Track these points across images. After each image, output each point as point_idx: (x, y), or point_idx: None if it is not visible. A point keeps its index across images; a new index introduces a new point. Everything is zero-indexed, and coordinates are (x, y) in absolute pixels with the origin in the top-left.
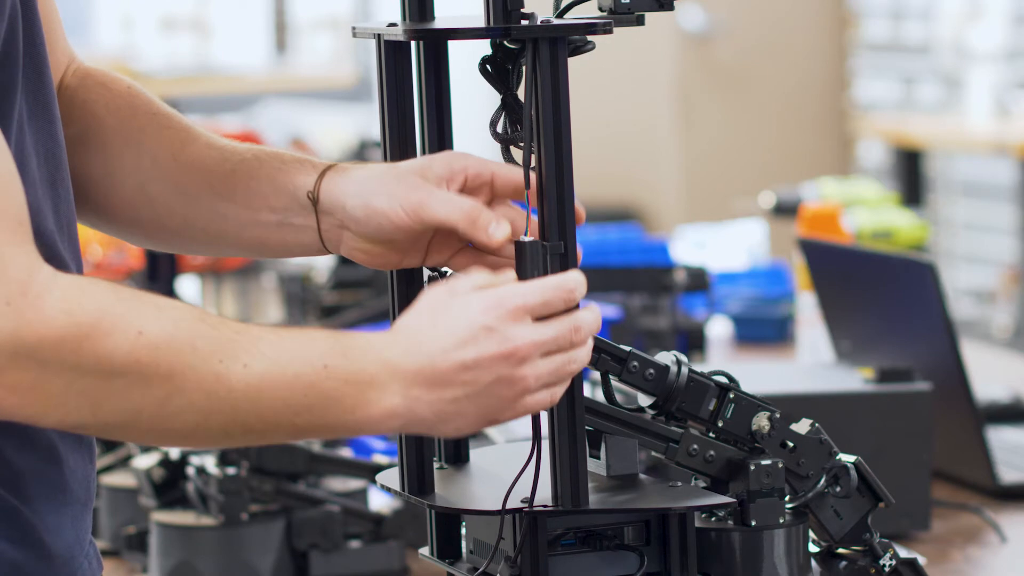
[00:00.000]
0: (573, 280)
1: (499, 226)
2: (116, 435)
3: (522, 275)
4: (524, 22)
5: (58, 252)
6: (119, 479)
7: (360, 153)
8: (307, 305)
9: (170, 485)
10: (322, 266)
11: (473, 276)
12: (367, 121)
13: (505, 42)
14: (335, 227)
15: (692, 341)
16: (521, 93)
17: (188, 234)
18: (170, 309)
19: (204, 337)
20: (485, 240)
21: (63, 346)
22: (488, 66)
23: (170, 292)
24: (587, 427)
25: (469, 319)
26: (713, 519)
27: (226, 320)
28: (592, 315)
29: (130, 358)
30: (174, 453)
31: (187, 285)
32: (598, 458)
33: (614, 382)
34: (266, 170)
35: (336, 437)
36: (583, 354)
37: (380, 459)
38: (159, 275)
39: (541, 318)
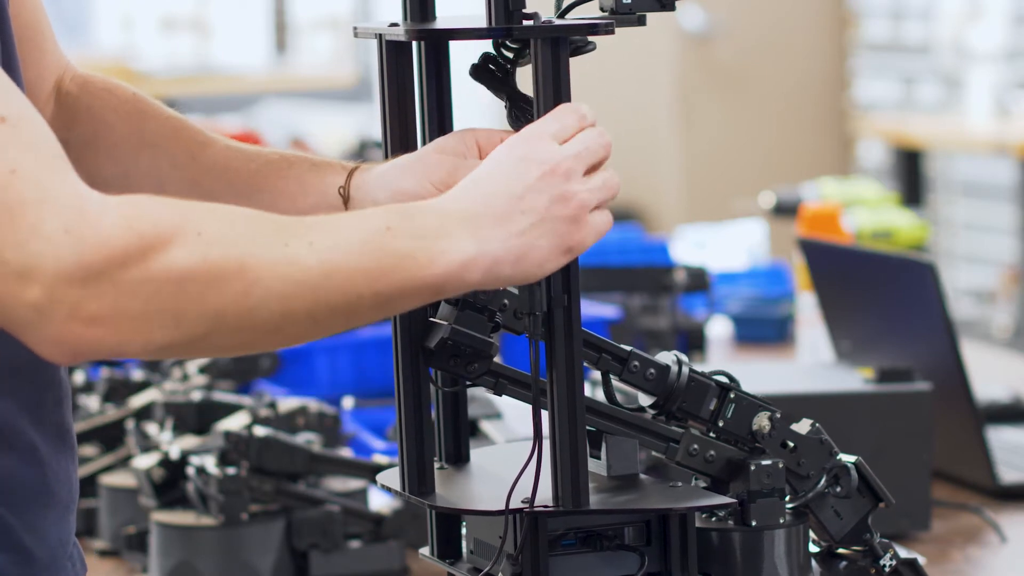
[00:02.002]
0: (573, 104)
1: None
2: (206, 346)
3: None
4: (526, 22)
5: None
6: (119, 479)
7: (360, 153)
8: None
9: (170, 485)
10: None
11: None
12: (367, 121)
13: (502, 48)
14: None
15: (692, 341)
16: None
17: None
18: (223, 208)
19: (263, 226)
20: None
21: (130, 261)
22: (489, 66)
23: None
24: (587, 427)
25: (500, 161)
26: (713, 519)
27: (277, 214)
28: (604, 132)
29: (197, 258)
30: (174, 453)
31: None
32: (599, 458)
33: (615, 382)
34: (296, 171)
35: (425, 300)
36: (614, 175)
37: (380, 459)
38: None
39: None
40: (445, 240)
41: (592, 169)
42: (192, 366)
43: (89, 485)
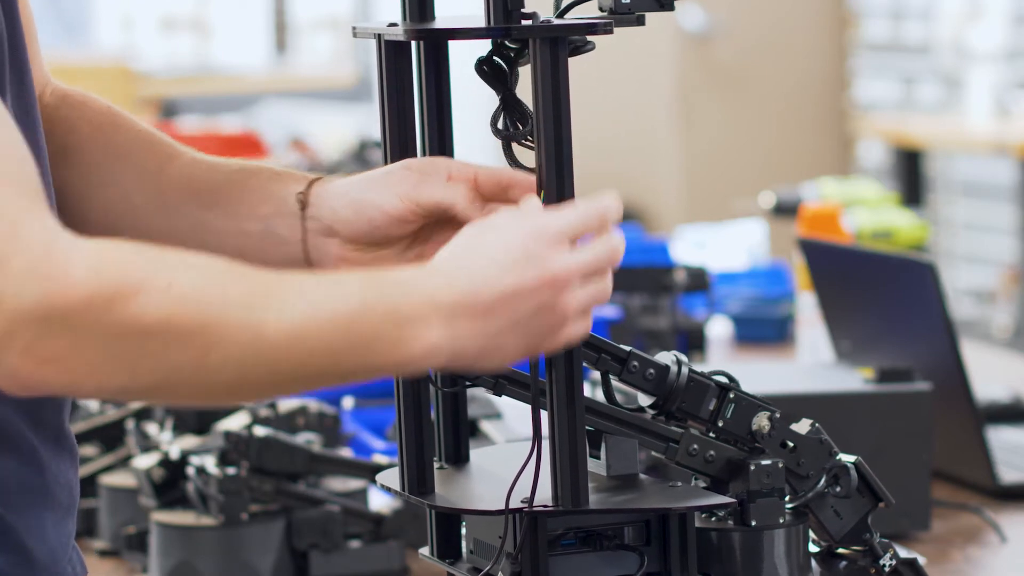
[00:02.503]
0: (606, 201)
1: (497, 206)
2: (158, 397)
3: None
4: (525, 22)
5: None
6: (119, 479)
7: (360, 153)
8: None
9: (170, 485)
10: None
11: (506, 210)
12: (367, 121)
13: (505, 43)
14: (321, 235)
15: (692, 341)
16: (519, 92)
17: (169, 245)
18: (196, 261)
19: (234, 286)
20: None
21: (93, 307)
22: (485, 67)
23: None
24: (587, 427)
25: (508, 246)
26: (713, 519)
27: (253, 268)
28: (621, 237)
29: (161, 314)
30: (174, 453)
31: None
32: (598, 458)
33: (614, 382)
34: (256, 180)
35: (384, 377)
36: (610, 283)
37: (380, 459)
38: None
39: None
40: (416, 326)
41: (590, 278)
42: None
43: (89, 485)
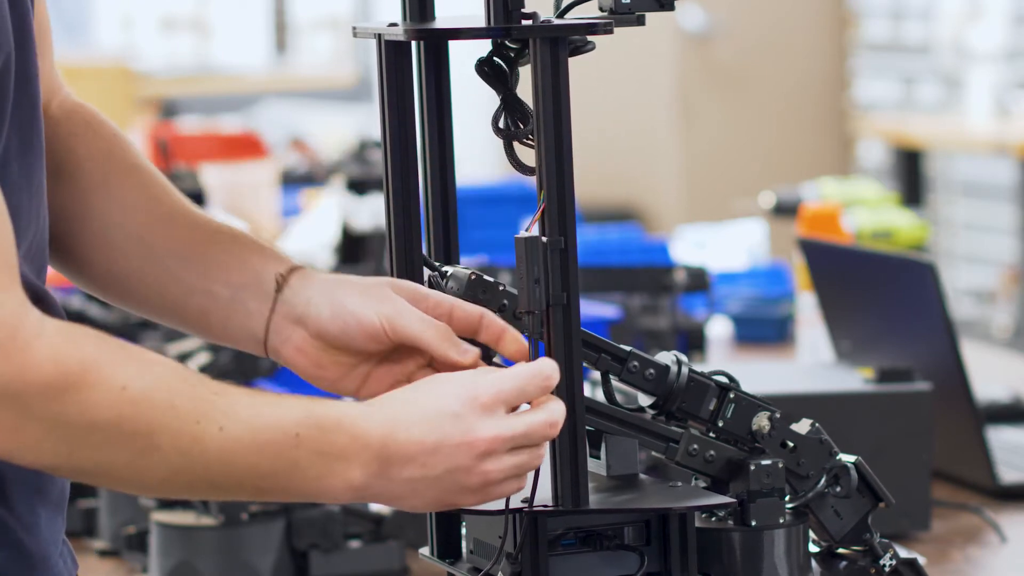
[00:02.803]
0: (548, 367)
1: (469, 348)
2: (86, 480)
3: (519, 270)
4: (525, 22)
5: (29, 281)
6: None
7: (360, 153)
8: None
9: None
10: (322, 266)
11: (458, 372)
12: (367, 121)
13: (505, 43)
14: (288, 321)
15: (692, 341)
16: (520, 92)
17: (136, 288)
18: (153, 365)
19: (184, 396)
20: (457, 358)
21: (47, 394)
22: (486, 67)
23: None
24: (587, 427)
25: (440, 404)
26: (713, 519)
27: (206, 379)
28: (561, 406)
29: (111, 412)
30: None
31: None
32: (598, 458)
33: (614, 382)
34: (238, 247)
35: (293, 501)
36: (542, 453)
37: None
38: None
39: (514, 408)
40: (342, 463)
41: (520, 448)
42: (192, 365)
43: (89, 485)
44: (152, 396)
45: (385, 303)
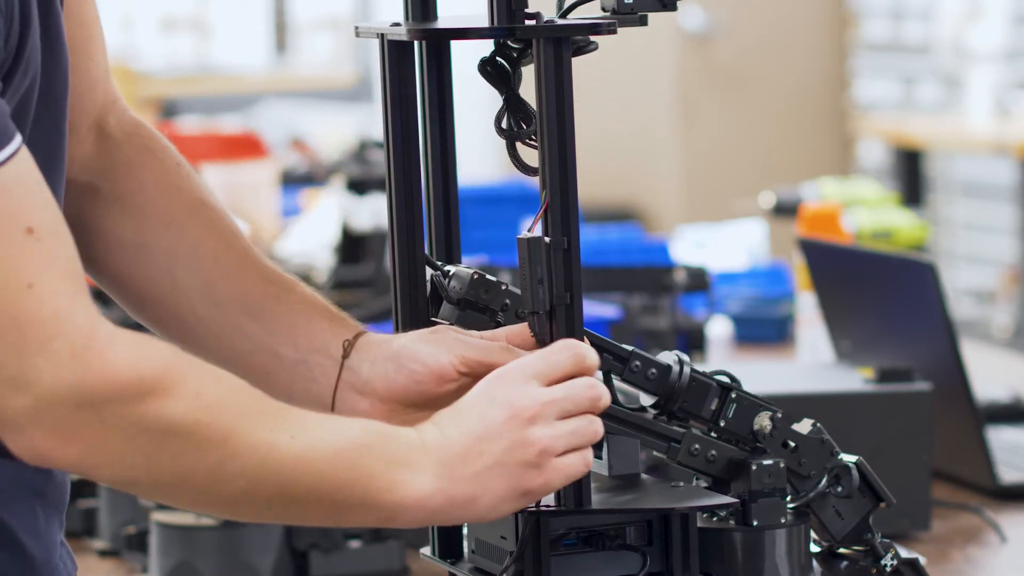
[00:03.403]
0: (576, 342)
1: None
2: (167, 496)
3: (523, 270)
4: (529, 22)
5: None
6: None
7: (360, 153)
8: None
9: None
10: (322, 266)
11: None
12: (367, 121)
13: (508, 43)
14: (354, 390)
15: (692, 341)
16: (522, 92)
17: (198, 331)
18: (221, 376)
19: (256, 405)
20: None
21: (125, 400)
22: (488, 67)
23: None
24: None
25: (473, 396)
26: (715, 519)
27: (268, 396)
28: (596, 372)
29: (188, 418)
30: None
31: None
32: (600, 458)
33: (616, 382)
34: (309, 311)
35: (373, 524)
36: (596, 425)
37: None
38: None
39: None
40: (410, 471)
41: (568, 416)
42: None
43: (89, 485)
44: (225, 404)
45: (446, 341)
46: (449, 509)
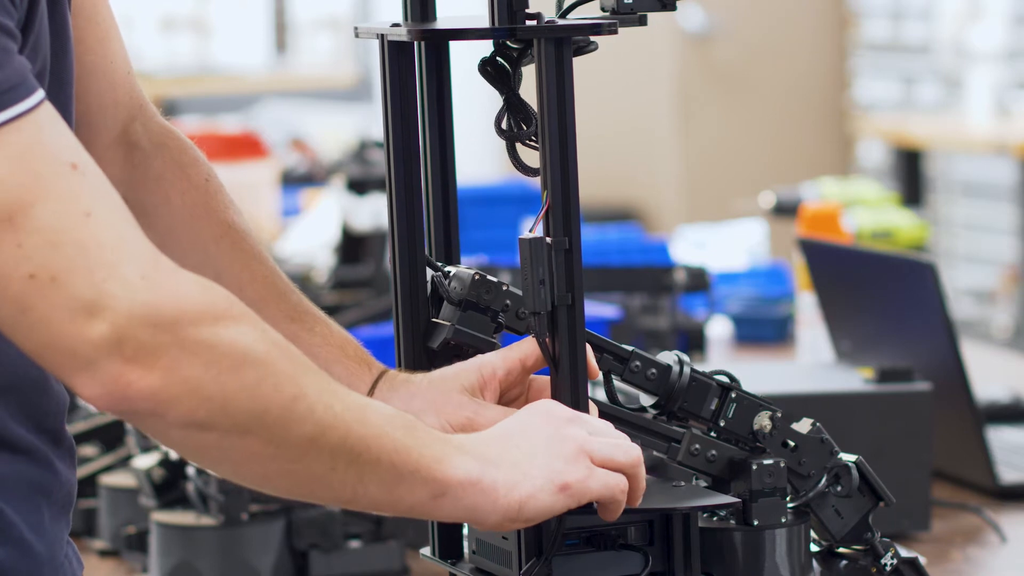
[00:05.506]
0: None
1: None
2: (237, 446)
3: (524, 271)
4: (529, 22)
5: None
6: (119, 479)
7: (360, 153)
8: None
9: (170, 485)
10: (322, 266)
11: None
12: (367, 121)
13: (508, 43)
14: None
15: (692, 341)
16: (522, 92)
17: None
18: (276, 333)
19: (310, 363)
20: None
21: (200, 321)
22: (488, 67)
23: None
24: None
25: (514, 417)
26: (715, 519)
27: None
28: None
29: (261, 347)
30: (174, 453)
31: None
32: None
33: (616, 382)
34: (334, 349)
35: (420, 503)
36: (632, 453)
37: None
38: None
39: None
40: (454, 447)
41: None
42: None
43: (89, 485)
44: (289, 349)
45: (461, 409)
46: (493, 493)
